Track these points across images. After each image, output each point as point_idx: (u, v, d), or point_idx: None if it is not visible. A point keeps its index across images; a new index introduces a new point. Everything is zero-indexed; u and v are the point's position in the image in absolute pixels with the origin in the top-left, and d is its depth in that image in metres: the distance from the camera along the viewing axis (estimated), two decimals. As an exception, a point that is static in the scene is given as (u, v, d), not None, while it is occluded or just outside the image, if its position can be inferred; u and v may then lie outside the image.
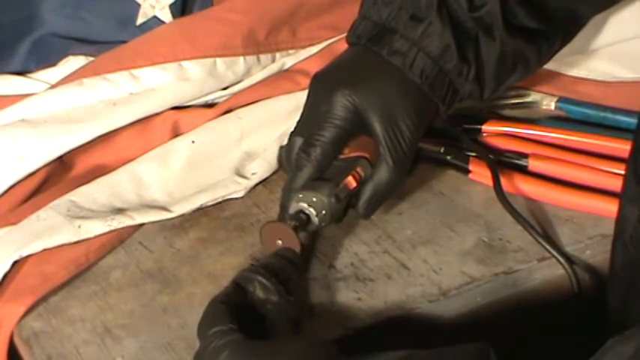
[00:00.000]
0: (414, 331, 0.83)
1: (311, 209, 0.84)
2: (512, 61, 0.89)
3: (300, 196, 0.85)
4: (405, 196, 0.98)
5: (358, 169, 0.87)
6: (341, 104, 0.86)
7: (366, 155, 0.88)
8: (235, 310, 0.72)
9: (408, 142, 0.86)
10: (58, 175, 1.02)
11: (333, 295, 0.86)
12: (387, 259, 0.90)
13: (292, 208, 0.85)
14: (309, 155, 0.86)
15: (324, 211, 0.84)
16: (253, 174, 1.00)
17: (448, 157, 1.01)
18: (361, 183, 0.87)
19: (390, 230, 0.94)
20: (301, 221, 0.84)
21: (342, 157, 0.88)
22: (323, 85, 0.88)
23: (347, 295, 0.85)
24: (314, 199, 0.84)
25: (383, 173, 0.86)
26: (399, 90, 0.86)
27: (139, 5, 1.14)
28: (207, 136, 1.02)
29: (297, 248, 0.83)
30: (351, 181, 0.86)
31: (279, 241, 0.84)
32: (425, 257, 0.90)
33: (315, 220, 0.84)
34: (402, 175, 0.87)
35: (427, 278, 0.87)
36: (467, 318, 0.85)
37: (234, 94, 1.08)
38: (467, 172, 1.00)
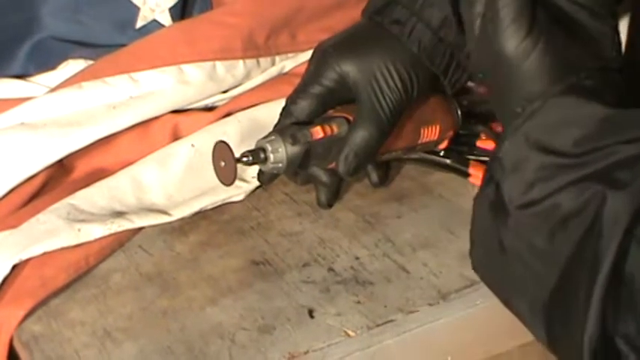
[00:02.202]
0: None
1: (268, 145, 0.85)
2: None
3: (266, 135, 0.87)
4: (404, 200, 0.99)
5: (332, 124, 0.89)
6: (329, 66, 0.89)
7: (349, 117, 0.89)
8: None
9: (390, 105, 0.87)
10: (58, 178, 1.02)
11: (332, 298, 0.86)
12: (387, 262, 0.90)
13: (256, 145, 0.86)
14: (287, 105, 0.90)
15: (280, 149, 0.85)
16: (253, 177, 1.00)
17: (448, 161, 1.01)
18: (334, 139, 0.88)
19: (389, 233, 0.94)
20: (257, 156, 0.85)
21: (325, 115, 0.90)
22: (318, 52, 0.91)
23: (347, 299, 0.85)
24: (273, 137, 0.86)
25: (358, 131, 0.88)
26: (391, 57, 0.88)
27: (138, 8, 1.14)
28: (206, 139, 1.02)
29: (230, 180, 0.83)
30: (317, 131, 0.88)
31: (222, 163, 0.84)
32: (425, 260, 0.90)
33: (271, 156, 0.85)
34: (379, 136, 0.88)
35: (427, 281, 0.87)
36: (466, 321, 0.85)
37: (234, 98, 1.08)
38: (466, 175, 1.00)
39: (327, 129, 0.88)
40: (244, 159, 0.85)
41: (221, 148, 0.84)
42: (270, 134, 0.87)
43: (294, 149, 0.86)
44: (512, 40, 0.65)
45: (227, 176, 0.84)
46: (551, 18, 0.66)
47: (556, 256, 0.60)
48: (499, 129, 1.05)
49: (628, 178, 0.57)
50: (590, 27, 0.67)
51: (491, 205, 0.64)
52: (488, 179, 0.65)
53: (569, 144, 0.60)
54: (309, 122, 0.89)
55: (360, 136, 0.87)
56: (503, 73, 0.66)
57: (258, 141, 0.87)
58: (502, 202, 0.63)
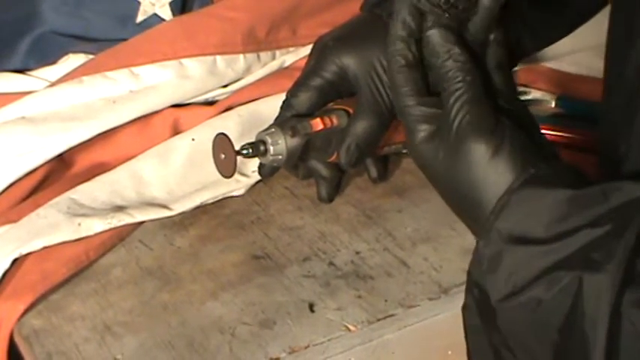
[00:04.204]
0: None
1: (267, 137, 0.85)
2: (515, 28, 0.89)
3: (266, 128, 0.87)
4: (405, 194, 0.98)
5: (332, 116, 0.89)
6: (329, 59, 0.89)
7: (349, 109, 0.89)
8: None
9: (390, 96, 0.88)
10: (58, 172, 1.02)
11: (333, 292, 0.86)
12: (388, 256, 0.90)
13: (256, 137, 0.86)
14: (288, 98, 0.90)
15: (279, 141, 0.86)
16: (253, 172, 1.00)
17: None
18: (334, 131, 0.88)
19: (390, 228, 0.94)
20: (257, 149, 0.85)
21: (325, 108, 0.90)
22: (319, 46, 0.92)
23: (347, 293, 0.85)
24: (273, 130, 0.86)
25: (359, 122, 0.88)
26: None
27: (139, 3, 1.14)
28: (207, 133, 1.02)
29: (230, 172, 0.83)
30: (317, 123, 0.88)
31: (222, 156, 0.85)
32: (425, 255, 0.90)
33: (270, 149, 0.85)
34: (379, 127, 0.89)
35: (427, 276, 0.87)
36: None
37: (235, 92, 1.08)
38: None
39: (327, 121, 0.88)
40: (244, 151, 0.85)
41: (221, 141, 0.84)
42: (270, 127, 0.87)
43: (293, 141, 0.86)
44: (479, 142, 0.65)
45: (227, 168, 0.84)
46: (513, 121, 0.67)
47: (545, 353, 0.61)
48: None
49: (603, 257, 0.58)
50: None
51: (479, 308, 0.65)
52: (471, 283, 0.66)
53: (541, 230, 0.62)
54: (309, 115, 0.89)
55: (361, 126, 0.88)
56: (470, 178, 0.66)
57: (258, 133, 0.87)
58: (488, 302, 0.64)
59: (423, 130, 0.67)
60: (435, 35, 0.67)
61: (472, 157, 0.65)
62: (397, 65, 0.68)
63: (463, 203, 0.67)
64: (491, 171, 0.65)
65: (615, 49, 0.75)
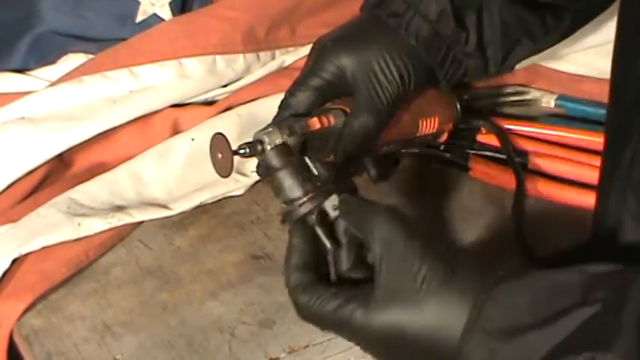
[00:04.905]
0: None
1: (265, 137, 0.85)
2: (514, 30, 0.89)
3: (263, 128, 0.87)
4: (404, 194, 0.98)
5: (329, 116, 0.88)
6: (327, 60, 0.89)
7: (346, 109, 0.89)
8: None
9: (387, 96, 0.88)
10: (58, 172, 1.02)
11: (332, 292, 0.86)
12: (387, 256, 0.90)
13: (253, 137, 0.86)
14: (286, 98, 0.90)
15: (277, 141, 0.85)
16: (253, 172, 1.00)
17: (448, 155, 1.01)
18: (331, 130, 0.88)
19: (389, 228, 0.94)
20: (254, 148, 0.85)
21: (322, 108, 0.90)
22: (318, 46, 0.91)
23: (347, 293, 0.85)
24: (270, 129, 0.86)
25: (356, 120, 0.88)
26: (388, 49, 0.88)
27: (138, 3, 1.14)
28: (206, 133, 1.02)
29: (227, 172, 0.83)
30: (314, 122, 0.87)
31: (220, 155, 0.85)
32: (425, 255, 0.89)
33: (268, 148, 0.85)
34: (376, 125, 0.88)
35: (427, 276, 0.87)
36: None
37: (234, 92, 1.08)
38: (467, 169, 1.00)
39: (325, 120, 0.88)
40: (241, 151, 0.85)
41: (218, 140, 0.84)
42: (267, 126, 0.87)
43: (291, 141, 0.86)
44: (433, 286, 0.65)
45: (224, 168, 0.84)
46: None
47: None
48: (499, 123, 1.05)
49: (608, 335, 0.57)
50: None
51: None
52: None
53: (527, 314, 0.61)
54: (307, 115, 0.89)
55: (358, 124, 0.88)
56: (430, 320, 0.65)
57: (255, 133, 0.87)
58: None
59: (358, 308, 0.66)
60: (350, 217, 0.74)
61: (428, 291, 0.64)
62: (294, 287, 0.71)
63: (428, 342, 0.65)
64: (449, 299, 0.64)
65: (624, 47, 0.75)
